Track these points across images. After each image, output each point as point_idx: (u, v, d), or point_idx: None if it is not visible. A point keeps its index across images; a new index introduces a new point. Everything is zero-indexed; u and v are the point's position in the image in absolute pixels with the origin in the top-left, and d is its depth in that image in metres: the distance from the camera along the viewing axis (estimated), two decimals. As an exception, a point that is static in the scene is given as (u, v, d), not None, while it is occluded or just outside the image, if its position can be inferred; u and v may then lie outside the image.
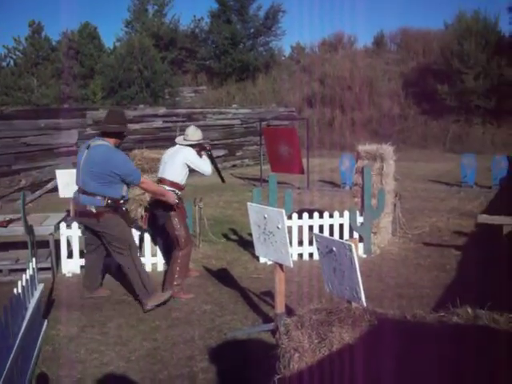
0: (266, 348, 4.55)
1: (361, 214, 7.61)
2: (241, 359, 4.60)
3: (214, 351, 4.79)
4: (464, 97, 22.54)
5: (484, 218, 7.66)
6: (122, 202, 5.70)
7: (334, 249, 3.93)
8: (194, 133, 6.33)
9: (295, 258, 7.53)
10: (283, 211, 4.70)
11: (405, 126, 23.53)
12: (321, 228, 7.59)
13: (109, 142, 5.65)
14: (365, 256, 7.49)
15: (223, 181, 7.27)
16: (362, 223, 7.57)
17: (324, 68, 27.10)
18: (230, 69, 28.53)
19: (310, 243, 7.37)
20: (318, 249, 4.14)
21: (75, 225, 7.05)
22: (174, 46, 30.01)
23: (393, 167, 8.08)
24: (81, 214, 5.72)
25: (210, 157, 6.54)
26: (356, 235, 7.57)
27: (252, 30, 30.07)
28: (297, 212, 7.81)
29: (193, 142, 6.29)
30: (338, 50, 30.24)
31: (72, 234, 7.11)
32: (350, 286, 3.90)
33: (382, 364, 2.46)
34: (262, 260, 7.25)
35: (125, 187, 5.68)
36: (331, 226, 7.69)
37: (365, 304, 3.79)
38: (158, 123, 16.28)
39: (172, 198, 5.97)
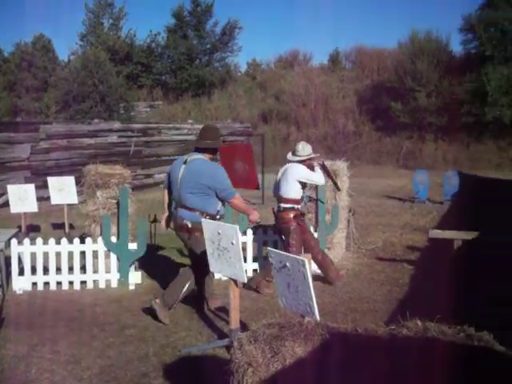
0: (220, 364, 4.54)
1: (315, 230, 7.69)
2: (195, 376, 4.60)
3: (169, 368, 4.77)
4: (417, 114, 23.08)
5: (435, 233, 7.83)
6: (218, 217, 5.77)
7: (288, 264, 3.97)
8: (303, 148, 6.71)
9: (250, 273, 7.56)
10: (237, 227, 4.73)
11: (359, 142, 23.89)
12: (275, 243, 7.65)
13: (204, 157, 5.80)
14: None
15: (338, 189, 7.61)
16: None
17: (280, 84, 27.35)
18: (185, 84, 28.54)
19: (265, 259, 7.40)
20: (272, 264, 4.18)
21: (27, 241, 6.94)
22: (130, 61, 29.86)
23: (347, 183, 8.22)
24: (180, 229, 5.82)
25: (324, 167, 6.94)
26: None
27: (208, 46, 30.19)
28: (252, 228, 7.85)
29: (302, 158, 6.65)
30: (293, 67, 30.55)
31: (23, 250, 6.98)
32: (303, 300, 3.94)
33: (333, 377, 2.50)
34: (217, 276, 7.25)
35: (220, 202, 5.79)
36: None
37: (318, 318, 3.84)
38: (113, 138, 16.13)
39: (256, 217, 6.06)
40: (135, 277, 7.18)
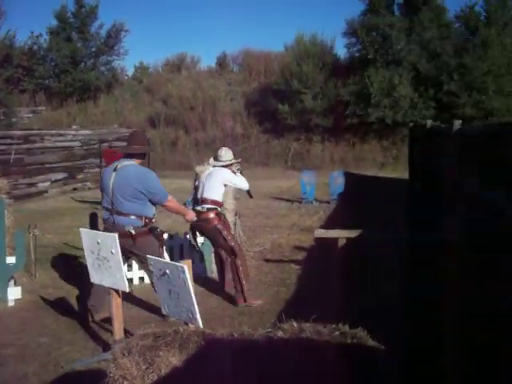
0: (103, 378, 4.41)
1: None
2: (76, 392, 4.42)
3: (49, 386, 4.57)
4: (303, 116, 23.56)
5: (320, 233, 7.97)
6: (154, 220, 5.80)
7: (168, 271, 3.91)
8: (225, 154, 6.85)
9: (137, 281, 7.42)
10: (116, 236, 4.60)
11: (248, 144, 24.11)
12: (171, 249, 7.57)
13: (134, 162, 5.75)
14: (204, 276, 7.54)
15: (251, 196, 7.38)
16: (202, 243, 7.61)
17: (167, 88, 27.11)
18: (70, 88, 27.65)
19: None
20: (153, 272, 4.10)
21: None
22: (10, 63, 28.51)
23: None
24: (122, 236, 5.38)
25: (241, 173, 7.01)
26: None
27: (93, 49, 29.39)
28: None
29: (224, 163, 6.78)
30: (181, 71, 30.39)
31: None
32: (185, 307, 3.89)
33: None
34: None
35: (154, 206, 5.81)
36: (171, 248, 7.68)
37: (201, 325, 3.79)
38: (-9, 146, 15.34)
39: (192, 216, 6.31)
40: (14, 292, 6.81)
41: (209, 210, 6.62)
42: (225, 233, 6.60)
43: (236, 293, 6.58)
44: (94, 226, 7.59)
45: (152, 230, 5.77)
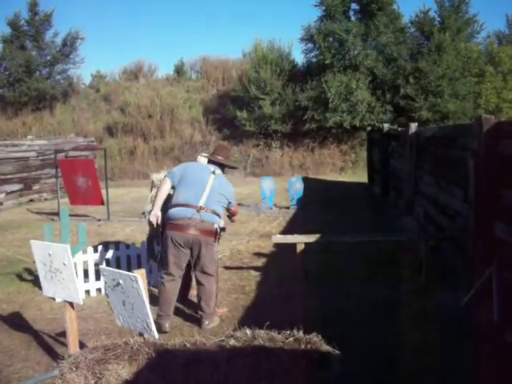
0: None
1: (158, 244, 7.53)
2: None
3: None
4: (262, 122, 23.55)
5: (278, 239, 7.95)
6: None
7: (121, 281, 3.82)
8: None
9: (94, 293, 7.28)
10: (68, 247, 4.48)
11: (206, 151, 23.98)
12: (118, 260, 7.44)
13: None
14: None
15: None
16: (159, 252, 7.49)
17: (124, 96, 26.83)
18: (25, 98, 27.08)
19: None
20: (106, 282, 4.00)
21: None
22: (-40, 72, 27.91)
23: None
24: (199, 231, 5.78)
25: None
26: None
27: (48, 58, 28.86)
28: (96, 245, 7.58)
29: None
30: (138, 79, 30.16)
31: None
32: (140, 317, 3.80)
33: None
34: (58, 299, 6.89)
35: None
36: (129, 257, 7.56)
37: (156, 335, 3.70)
38: None
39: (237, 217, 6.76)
40: (-34, 307, 6.62)
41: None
42: (215, 248, 6.19)
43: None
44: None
45: (223, 230, 6.26)
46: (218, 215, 5.93)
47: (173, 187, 6.04)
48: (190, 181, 5.94)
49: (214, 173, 6.05)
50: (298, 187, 14.04)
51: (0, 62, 28.65)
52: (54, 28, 28.95)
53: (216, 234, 5.91)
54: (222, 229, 6.16)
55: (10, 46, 27.86)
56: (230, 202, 6.16)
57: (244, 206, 14.20)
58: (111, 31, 64.57)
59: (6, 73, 28.42)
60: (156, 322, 5.48)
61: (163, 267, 6.00)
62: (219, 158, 6.28)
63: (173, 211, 5.83)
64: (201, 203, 5.79)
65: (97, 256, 7.45)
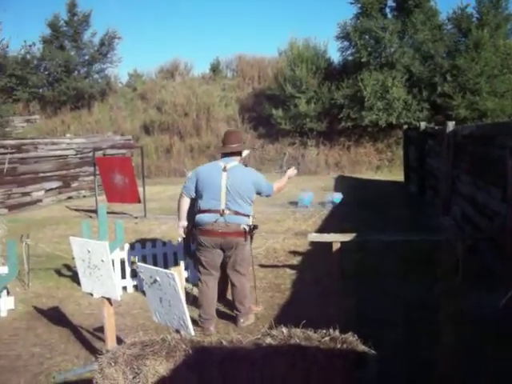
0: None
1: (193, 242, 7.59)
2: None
3: (40, 398, 4.52)
4: (298, 120, 23.50)
5: (314, 237, 7.94)
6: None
7: (158, 278, 3.87)
8: None
9: (131, 289, 7.38)
10: (107, 244, 4.56)
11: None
12: (155, 257, 7.52)
13: (237, 162, 5.89)
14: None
15: None
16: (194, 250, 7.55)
17: (161, 95, 27.05)
18: (64, 97, 27.55)
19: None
20: (143, 279, 4.06)
21: None
22: (3, 73, 28.44)
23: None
24: (231, 234, 5.70)
25: None
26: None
27: (87, 57, 29.31)
28: (133, 242, 7.68)
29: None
30: (175, 77, 30.36)
31: None
32: (176, 315, 3.85)
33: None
34: (96, 295, 6.99)
35: None
36: (165, 255, 7.64)
37: (192, 332, 3.75)
38: (-16, 156, 15.24)
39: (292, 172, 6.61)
40: (7, 302, 6.75)
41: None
42: (250, 246, 6.32)
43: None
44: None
45: (255, 228, 6.03)
46: (243, 215, 5.76)
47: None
48: (205, 187, 5.76)
49: (225, 169, 5.76)
50: (336, 185, 14.00)
51: (40, 62, 29.23)
52: (92, 28, 29.45)
53: (245, 234, 5.79)
54: (254, 227, 5.99)
55: (50, 47, 28.38)
56: (259, 192, 5.93)
57: (279, 205, 14.21)
58: (148, 30, 65.20)
59: (46, 72, 28.98)
60: (200, 326, 5.53)
61: (199, 270, 5.98)
62: (232, 146, 5.93)
63: (199, 217, 5.78)
64: (222, 206, 5.68)
65: (134, 253, 7.56)
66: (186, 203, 5.99)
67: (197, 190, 5.83)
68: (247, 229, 5.80)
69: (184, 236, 6.31)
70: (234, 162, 5.84)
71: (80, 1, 29.26)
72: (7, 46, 29.51)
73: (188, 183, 5.92)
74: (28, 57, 29.56)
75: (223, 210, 5.65)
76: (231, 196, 5.67)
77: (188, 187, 5.90)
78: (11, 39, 32.59)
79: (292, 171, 6.56)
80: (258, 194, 5.98)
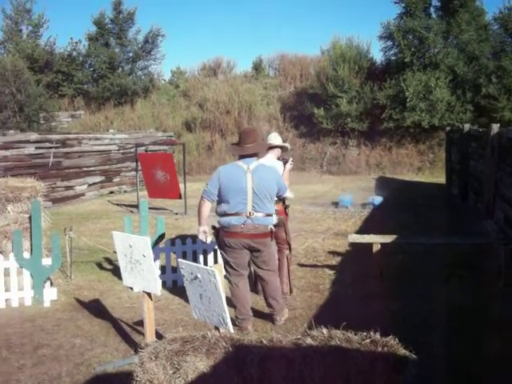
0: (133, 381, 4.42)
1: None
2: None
3: (81, 387, 4.60)
4: (339, 120, 23.37)
5: (354, 238, 7.95)
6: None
7: (199, 275, 3.91)
8: (275, 138, 7.03)
9: (170, 284, 7.45)
10: (148, 239, 4.62)
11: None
12: (194, 253, 7.58)
13: (258, 161, 5.87)
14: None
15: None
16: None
17: (203, 92, 27.21)
18: (108, 93, 27.97)
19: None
20: (184, 276, 4.10)
21: None
22: (50, 69, 29.05)
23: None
24: (258, 236, 5.69)
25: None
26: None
27: (131, 54, 29.69)
28: (173, 238, 7.76)
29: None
30: (217, 75, 30.51)
31: None
32: (216, 311, 3.88)
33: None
34: (136, 289, 7.10)
35: None
36: (205, 251, 7.69)
37: (231, 330, 3.78)
38: (30, 150, 15.51)
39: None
40: (50, 293, 6.91)
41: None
42: (287, 225, 6.78)
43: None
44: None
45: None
46: (269, 215, 5.74)
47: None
48: (230, 190, 5.63)
49: (249, 170, 5.64)
50: (376, 186, 13.92)
51: (85, 58, 29.78)
52: (136, 25, 29.84)
53: (272, 233, 5.80)
54: (287, 206, 6.22)
55: (95, 44, 28.86)
56: (278, 191, 5.88)
57: (320, 204, 14.19)
58: (191, 28, 65.57)
59: (91, 69, 29.52)
60: (237, 326, 5.53)
61: (228, 271, 5.86)
62: (248, 146, 5.74)
63: (225, 220, 5.70)
64: (249, 209, 5.61)
65: (174, 249, 7.64)
66: (207, 208, 5.86)
67: (220, 194, 5.68)
68: (273, 229, 5.81)
69: (205, 241, 6.30)
70: (254, 162, 5.74)
71: (125, -1, 29.64)
72: (54, 44, 30.24)
73: (209, 187, 5.74)
74: (74, 54, 30.17)
75: (250, 212, 5.61)
76: (258, 197, 5.61)
77: (210, 192, 5.74)
78: (58, 37, 33.12)
79: (290, 165, 6.81)
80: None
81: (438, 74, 21.58)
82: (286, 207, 6.78)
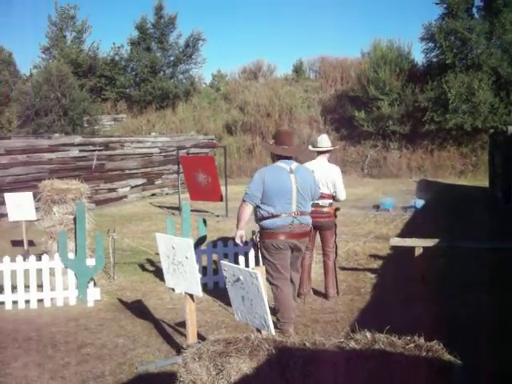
0: (175, 381, 4.46)
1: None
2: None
3: (124, 387, 4.68)
4: (380, 122, 23.19)
5: (396, 241, 7.88)
6: None
7: (241, 277, 3.93)
8: (325, 140, 7.00)
9: (212, 286, 7.50)
10: (191, 241, 4.67)
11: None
12: (236, 255, 7.61)
13: (297, 163, 5.85)
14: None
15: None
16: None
17: (244, 95, 27.32)
18: (149, 97, 28.33)
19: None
20: (226, 277, 4.13)
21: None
22: (93, 74, 29.58)
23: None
24: (302, 236, 5.76)
25: None
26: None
27: (172, 58, 30.03)
28: (215, 240, 7.81)
29: (324, 149, 6.97)
30: (258, 78, 30.59)
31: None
32: (258, 314, 3.90)
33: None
34: (178, 290, 7.17)
35: None
36: (246, 254, 7.70)
37: (273, 332, 3.79)
38: (74, 152, 15.83)
39: None
40: (94, 293, 7.04)
41: (330, 204, 6.84)
42: (336, 228, 7.02)
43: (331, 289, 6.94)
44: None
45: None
46: (308, 214, 5.81)
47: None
48: (276, 191, 5.55)
49: (291, 170, 5.60)
50: (418, 189, 13.78)
51: (127, 63, 30.24)
52: (177, 30, 30.16)
53: (310, 232, 5.91)
54: (337, 209, 6.53)
55: (137, 48, 29.29)
56: (315, 193, 5.93)
57: (361, 207, 14.10)
58: (232, 32, 65.89)
59: (133, 73, 29.96)
60: (279, 329, 5.49)
61: (271, 275, 5.67)
62: (289, 147, 5.73)
63: (271, 222, 5.60)
64: (294, 208, 5.59)
65: (216, 251, 7.69)
66: (248, 211, 5.76)
67: (265, 196, 5.57)
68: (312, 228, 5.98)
69: (242, 245, 6.26)
70: (294, 163, 5.71)
71: (167, 4, 30.04)
72: (97, 49, 30.75)
73: (252, 191, 5.60)
74: (116, 58, 30.67)
75: (295, 212, 5.61)
76: (301, 197, 5.63)
77: (253, 195, 5.61)
78: (101, 42, 33.66)
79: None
80: None
81: (480, 75, 21.24)
82: (336, 210, 6.90)
